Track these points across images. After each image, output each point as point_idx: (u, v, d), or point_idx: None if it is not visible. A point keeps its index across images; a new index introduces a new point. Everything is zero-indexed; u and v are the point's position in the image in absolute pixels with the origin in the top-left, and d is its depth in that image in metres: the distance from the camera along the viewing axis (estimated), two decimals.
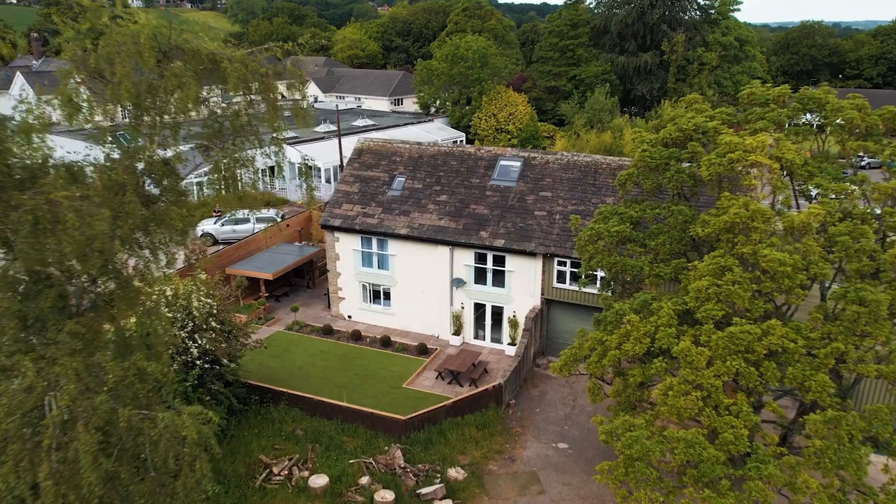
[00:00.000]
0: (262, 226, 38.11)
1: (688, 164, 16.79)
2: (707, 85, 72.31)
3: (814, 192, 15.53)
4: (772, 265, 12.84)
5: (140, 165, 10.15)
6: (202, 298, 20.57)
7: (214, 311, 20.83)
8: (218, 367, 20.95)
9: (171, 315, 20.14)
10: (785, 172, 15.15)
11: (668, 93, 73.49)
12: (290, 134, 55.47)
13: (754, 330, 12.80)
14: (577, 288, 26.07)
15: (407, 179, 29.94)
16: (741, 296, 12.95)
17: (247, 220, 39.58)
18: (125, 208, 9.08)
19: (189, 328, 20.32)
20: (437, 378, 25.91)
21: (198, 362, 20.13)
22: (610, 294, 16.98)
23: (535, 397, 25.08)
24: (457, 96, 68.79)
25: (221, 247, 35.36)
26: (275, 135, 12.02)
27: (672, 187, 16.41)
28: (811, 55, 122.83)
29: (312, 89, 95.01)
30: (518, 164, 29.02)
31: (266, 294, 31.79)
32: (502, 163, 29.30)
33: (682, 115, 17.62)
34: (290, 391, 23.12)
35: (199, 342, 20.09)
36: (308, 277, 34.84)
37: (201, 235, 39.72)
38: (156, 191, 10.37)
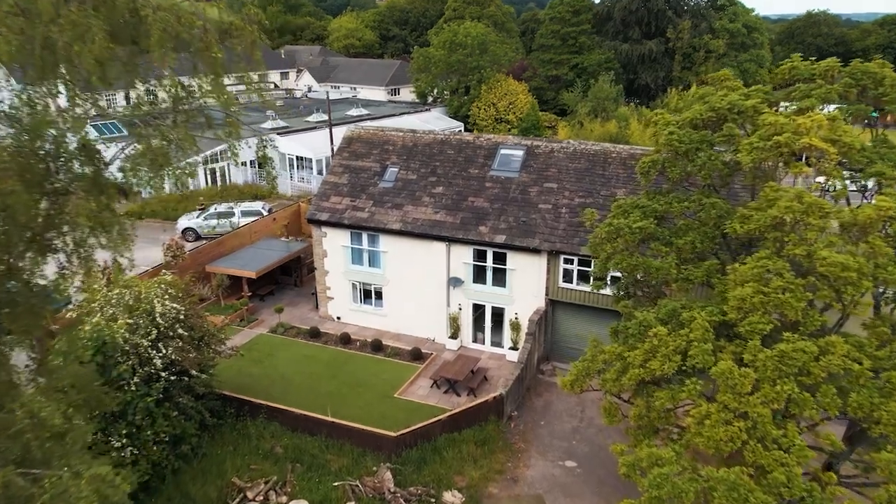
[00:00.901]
0: (247, 220, 35.81)
1: (719, 150, 14.52)
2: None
3: (869, 183, 13.34)
4: (832, 270, 10.66)
5: (47, 146, 7.91)
6: (167, 303, 18.32)
7: (181, 317, 18.58)
8: (186, 379, 18.75)
9: (131, 321, 17.93)
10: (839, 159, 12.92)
11: (674, 81, 71.03)
12: (281, 124, 53.25)
13: (810, 348, 10.61)
14: (585, 288, 23.87)
15: (400, 170, 27.67)
16: (794, 306, 10.76)
17: (231, 214, 37.28)
18: (8, 200, 6.86)
19: (153, 336, 18.09)
20: (432, 386, 23.73)
21: (163, 374, 17.91)
22: (629, 301, 14.78)
23: (540, 408, 22.92)
24: (455, 85, 66.38)
25: (204, 242, 33.09)
26: (231, 112, 9.69)
27: (703, 176, 14.15)
28: (816, 44, 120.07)
29: (307, 79, 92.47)
30: (520, 153, 26.75)
31: (249, 294, 29.57)
32: (503, 151, 27.03)
33: (712, 94, 15.34)
34: (269, 403, 20.92)
35: (164, 352, 17.86)
36: (295, 275, 32.61)
37: (183, 231, 37.45)
38: (67, 180, 8.13)
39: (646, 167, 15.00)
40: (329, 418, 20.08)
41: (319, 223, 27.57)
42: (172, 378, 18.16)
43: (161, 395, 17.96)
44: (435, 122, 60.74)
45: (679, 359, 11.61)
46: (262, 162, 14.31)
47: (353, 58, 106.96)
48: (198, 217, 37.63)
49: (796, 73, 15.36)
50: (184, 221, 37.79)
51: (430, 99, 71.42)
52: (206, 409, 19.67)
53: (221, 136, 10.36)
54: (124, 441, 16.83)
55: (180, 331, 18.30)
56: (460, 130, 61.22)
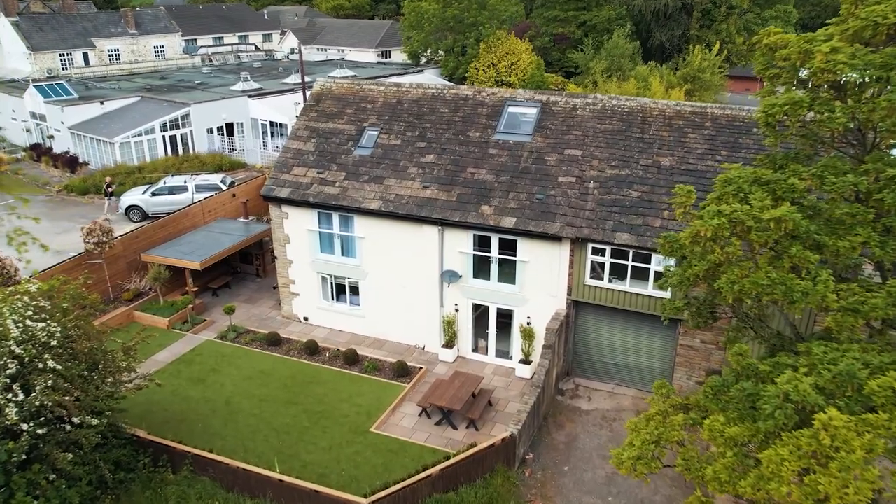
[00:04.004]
0: (202, 195, 29.96)
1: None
2: (736, 31, 63.34)
3: None
4: None
5: None
6: (29, 323, 12.60)
7: (54, 342, 12.88)
8: (68, 428, 13.15)
9: None
10: None
11: (691, 41, 64.53)
12: (254, 86, 47.07)
13: None
14: (619, 287, 18.30)
15: (381, 133, 21.82)
16: None
17: (184, 189, 31.40)
18: None
19: (11, 371, 12.45)
20: (420, 415, 18.26)
21: (25, 427, 12.30)
22: (745, 341, 9.16)
23: (562, 446, 17.45)
24: (451, 44, 59.77)
25: (143, 224, 27.26)
26: None
27: (891, 128, 8.36)
28: (834, 6, 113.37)
29: (291, 41, 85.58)
30: (533, 110, 20.90)
31: (195, 288, 23.87)
32: (511, 109, 21.18)
33: None
34: (196, 451, 15.35)
35: (21, 396, 12.22)
36: (257, 263, 26.92)
37: (127, 209, 31.58)
38: None
39: (777, 114, 9.06)
40: (276, 475, 14.53)
41: (279, 201, 21.77)
42: (41, 431, 12.55)
43: (25, 457, 12.42)
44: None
45: (875, 476, 6.10)
46: None
47: (341, 19, 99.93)
48: (144, 193, 31.70)
49: None
50: (128, 198, 31.86)
51: (423, 60, 64.89)
52: (106, 463, 14.17)
53: None
54: None
55: (51, 363, 12.60)
56: None
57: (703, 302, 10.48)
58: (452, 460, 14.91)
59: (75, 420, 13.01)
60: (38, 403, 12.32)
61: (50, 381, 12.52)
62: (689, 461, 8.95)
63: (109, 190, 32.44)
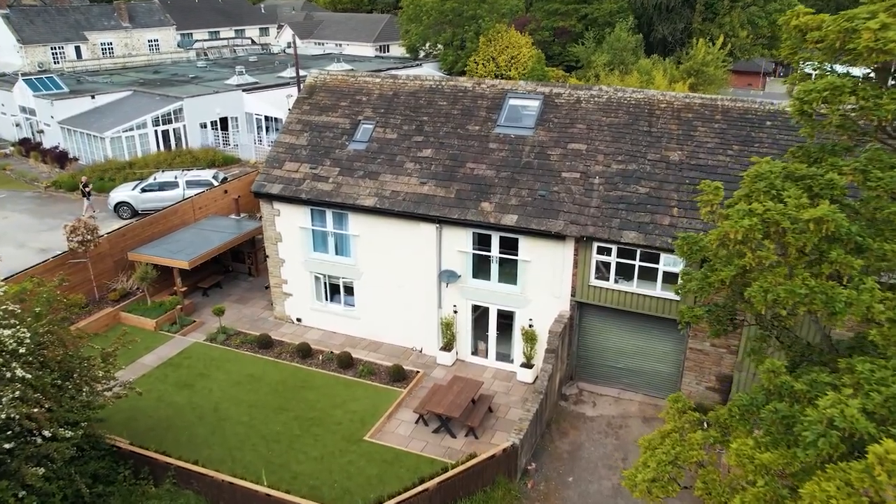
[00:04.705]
0: (193, 191, 29.05)
1: None
2: (739, 25, 62.39)
3: None
4: None
5: None
6: None
7: (23, 349, 12.02)
8: (39, 441, 12.29)
9: None
10: None
11: (693, 35, 63.55)
12: (249, 79, 46.14)
13: None
14: (626, 288, 17.45)
15: (376, 126, 20.93)
16: None
17: (175, 185, 30.48)
18: None
19: None
20: (417, 422, 17.40)
21: None
22: (769, 351, 8.31)
23: (566, 455, 16.61)
24: (450, 37, 58.80)
25: (130, 222, 26.35)
26: None
27: None
28: (837, 1, 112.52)
29: (288, 35, 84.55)
30: (536, 103, 20.01)
31: (184, 288, 22.99)
32: (512, 102, 20.29)
33: None
34: (179, 463, 14.51)
35: None
36: (250, 262, 26.04)
37: (116, 206, 30.65)
38: None
39: (815, 101, 8.03)
40: (264, 489, 13.69)
41: (270, 197, 20.89)
42: (8, 446, 11.69)
43: None
44: None
45: None
46: None
47: (339, 13, 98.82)
48: (133, 189, 30.77)
49: None
50: (116, 194, 30.93)
51: (421, 54, 63.94)
52: (82, 476, 13.32)
53: None
54: None
55: (19, 372, 11.74)
56: None
57: (724, 308, 9.62)
58: (450, 473, 14.06)
59: (46, 433, 12.15)
60: (4, 416, 11.46)
61: (18, 392, 11.67)
62: (709, 484, 8.11)
63: (87, 190, 31.34)
